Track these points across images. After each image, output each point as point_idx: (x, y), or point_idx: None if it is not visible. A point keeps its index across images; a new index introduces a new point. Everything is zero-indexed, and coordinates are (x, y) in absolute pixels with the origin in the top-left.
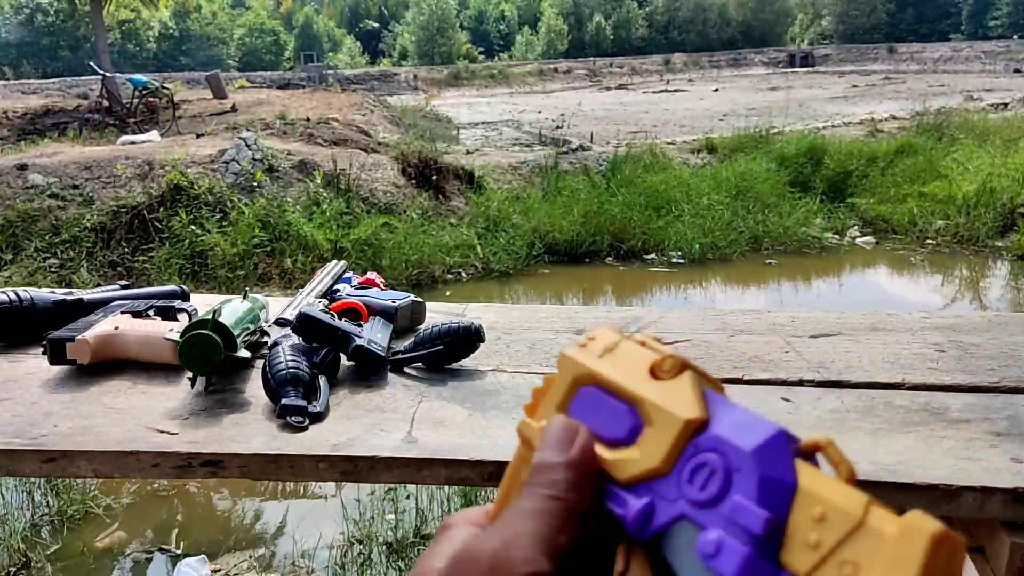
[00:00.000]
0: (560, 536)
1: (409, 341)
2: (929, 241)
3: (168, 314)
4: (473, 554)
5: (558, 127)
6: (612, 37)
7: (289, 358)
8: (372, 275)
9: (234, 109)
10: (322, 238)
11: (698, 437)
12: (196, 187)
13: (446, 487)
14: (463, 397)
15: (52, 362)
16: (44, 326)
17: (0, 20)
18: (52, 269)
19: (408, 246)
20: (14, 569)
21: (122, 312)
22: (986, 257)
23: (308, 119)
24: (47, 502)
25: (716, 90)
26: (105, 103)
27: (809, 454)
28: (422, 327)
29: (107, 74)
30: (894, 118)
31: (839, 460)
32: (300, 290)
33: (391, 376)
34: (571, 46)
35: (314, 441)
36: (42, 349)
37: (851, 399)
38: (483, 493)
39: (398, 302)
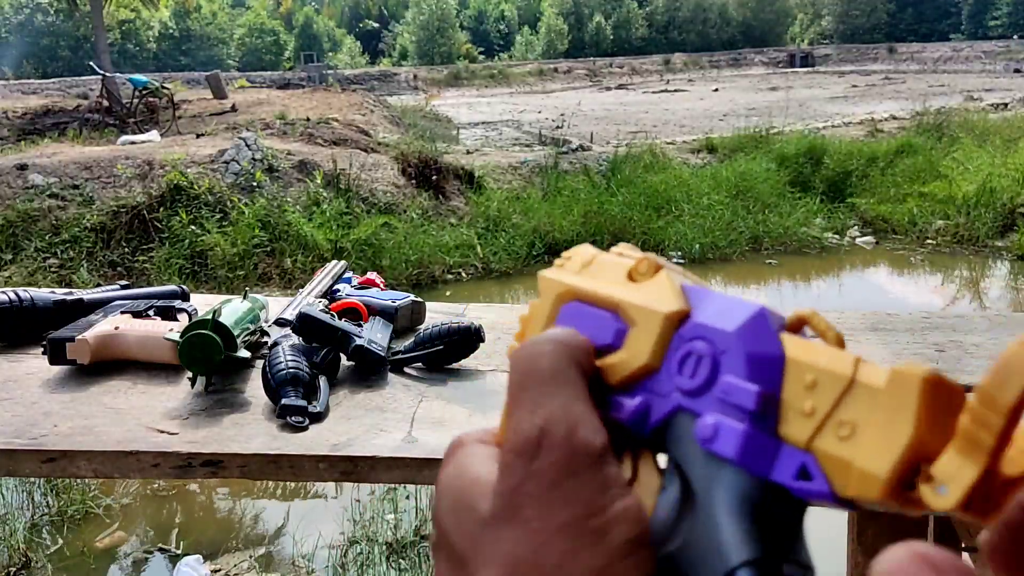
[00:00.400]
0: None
1: (409, 341)
2: (929, 241)
3: (168, 314)
4: (524, 438)
5: (558, 127)
6: (612, 37)
7: (289, 358)
8: (372, 275)
9: (234, 109)
10: (322, 238)
11: (682, 328)
12: (196, 187)
13: None
14: (463, 397)
15: (52, 362)
16: (44, 326)
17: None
18: (52, 269)
19: (408, 246)
20: (14, 569)
21: (122, 312)
22: (986, 257)
23: (308, 119)
24: (47, 502)
25: (716, 90)
26: (105, 103)
27: (795, 329)
28: (422, 327)
29: (107, 74)
30: (894, 118)
31: (825, 328)
32: (300, 290)
33: (391, 376)
34: (571, 46)
35: (314, 441)
36: (42, 349)
37: None
38: None
39: (398, 302)
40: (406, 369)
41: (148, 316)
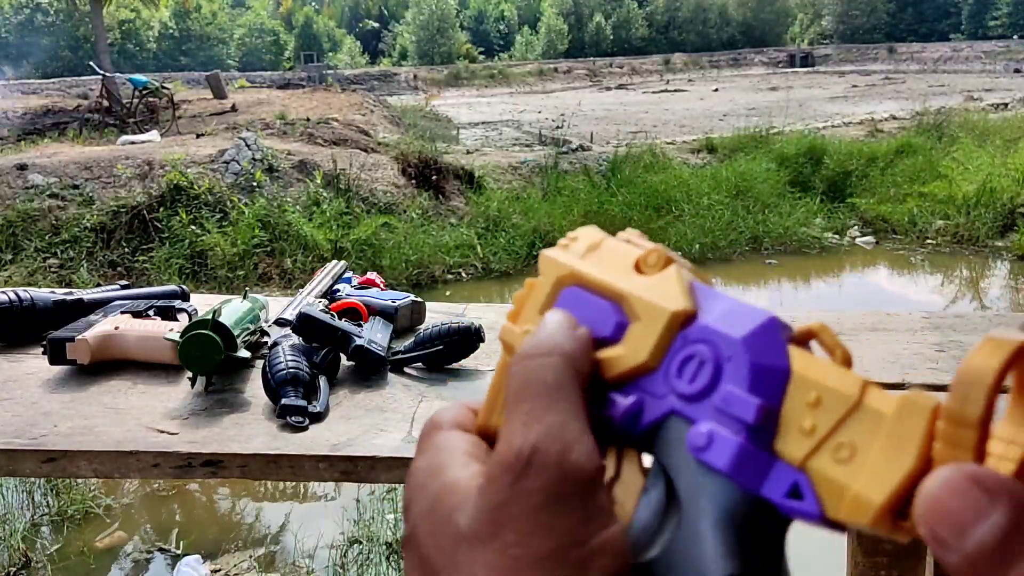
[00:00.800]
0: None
1: (409, 341)
2: (929, 241)
3: (168, 314)
4: (516, 455)
5: (558, 127)
6: (612, 37)
7: (289, 358)
8: (372, 275)
9: (234, 109)
10: (322, 238)
11: (686, 329)
12: (196, 187)
13: None
14: (463, 397)
15: (52, 362)
16: (44, 326)
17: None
18: (52, 269)
19: (408, 246)
20: (14, 569)
21: (122, 312)
22: (986, 257)
23: (308, 119)
24: (47, 502)
25: (716, 90)
26: (105, 103)
27: (803, 341)
28: (422, 327)
29: (107, 74)
30: (894, 118)
31: (834, 345)
32: (300, 290)
33: (391, 376)
34: (571, 46)
35: (314, 441)
36: (42, 349)
37: None
38: None
39: (398, 302)
40: (406, 369)
41: (148, 316)
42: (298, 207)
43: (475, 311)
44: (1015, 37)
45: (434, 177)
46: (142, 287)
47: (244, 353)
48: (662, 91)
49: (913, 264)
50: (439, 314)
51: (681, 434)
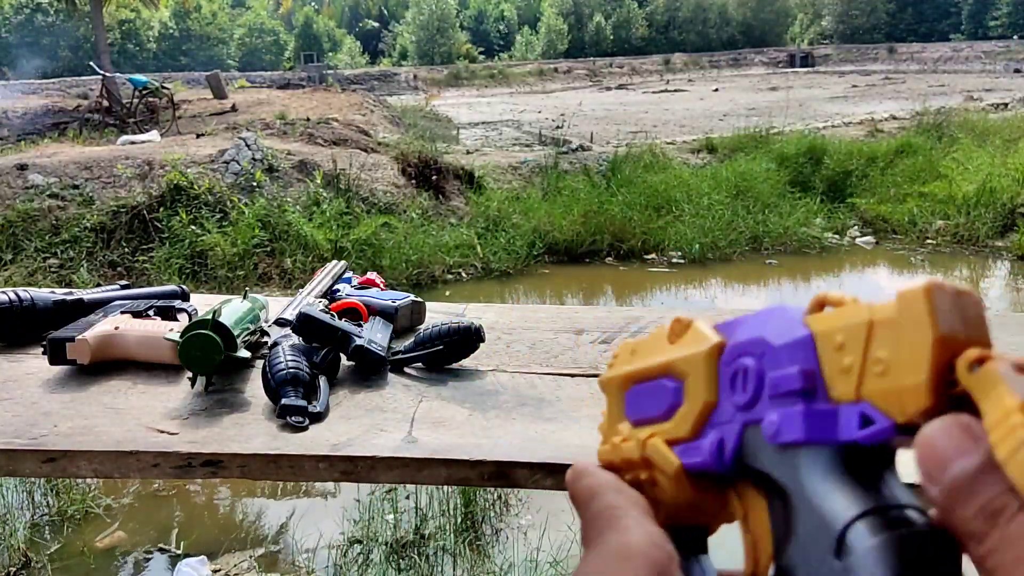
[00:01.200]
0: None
1: (409, 341)
2: (929, 241)
3: (168, 314)
4: None
5: (558, 127)
6: (612, 37)
7: (289, 358)
8: (372, 275)
9: (234, 109)
10: (322, 238)
11: (723, 356)
12: (196, 187)
13: (446, 487)
14: (463, 397)
15: (52, 362)
16: (44, 326)
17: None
18: (52, 269)
19: (408, 246)
20: (14, 569)
21: (122, 312)
22: (986, 257)
23: (308, 119)
24: (47, 502)
25: (716, 90)
26: (105, 103)
27: (818, 309)
28: (422, 327)
29: (107, 74)
30: (894, 118)
31: (839, 299)
32: (300, 290)
33: (391, 376)
34: (571, 46)
35: (314, 441)
36: (42, 349)
37: None
38: (483, 493)
39: (398, 302)
40: (406, 369)
41: (148, 316)
42: (298, 207)
43: (475, 311)
44: (1015, 37)
45: (434, 177)
46: (142, 287)
47: (244, 353)
48: (662, 91)
49: (913, 264)
50: (439, 314)
51: (758, 436)
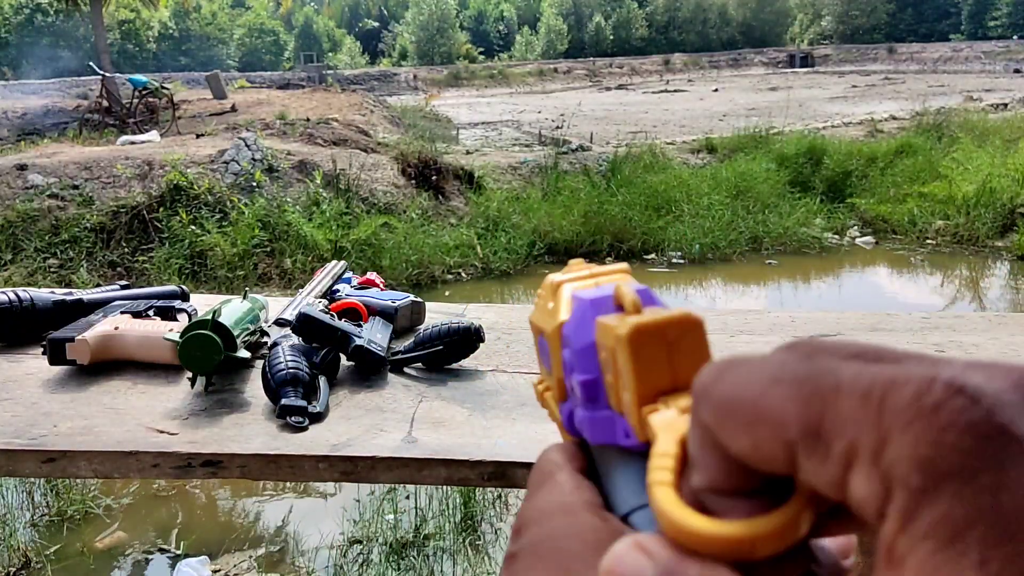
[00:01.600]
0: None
1: (409, 341)
2: (929, 241)
3: (168, 314)
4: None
5: (558, 127)
6: (612, 37)
7: (289, 358)
8: (372, 275)
9: (234, 109)
10: (322, 238)
11: (563, 339)
12: (196, 187)
13: (446, 487)
14: (463, 397)
15: (52, 362)
16: (44, 326)
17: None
18: (52, 269)
19: (408, 246)
20: (13, 569)
21: (122, 312)
22: (986, 257)
23: (308, 119)
24: (47, 502)
25: (716, 90)
26: (105, 103)
27: (618, 307)
28: (422, 327)
29: (107, 74)
30: (894, 118)
31: (624, 297)
32: (300, 290)
33: (391, 376)
34: (571, 46)
35: (314, 441)
36: (42, 349)
37: None
38: (483, 493)
39: (398, 302)
40: (406, 369)
41: (148, 316)
42: (298, 207)
43: (475, 311)
44: (1015, 37)
45: (434, 177)
46: (142, 287)
47: (244, 353)
48: (662, 91)
49: (913, 264)
50: (439, 314)
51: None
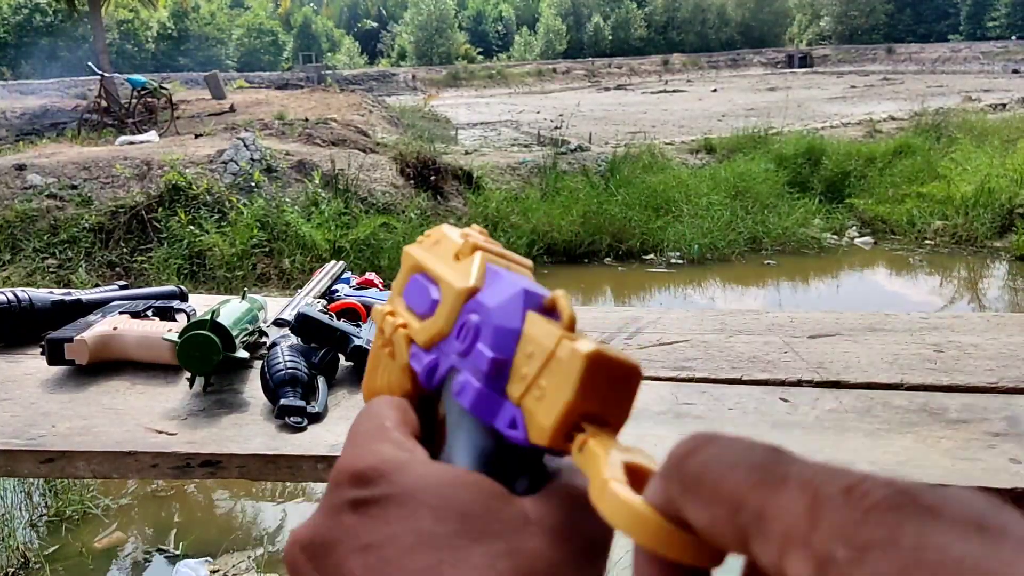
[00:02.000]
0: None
1: None
2: (927, 241)
3: (166, 314)
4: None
5: (557, 127)
6: (611, 37)
7: (288, 358)
8: (370, 275)
9: (232, 109)
10: (320, 238)
11: (469, 302)
12: (194, 187)
13: None
14: None
15: (50, 362)
16: (42, 326)
17: None
18: (50, 269)
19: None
20: (12, 569)
21: (120, 312)
22: (984, 257)
23: (306, 119)
24: (46, 502)
25: (715, 90)
26: (103, 103)
27: (550, 310)
28: None
29: (105, 74)
30: (892, 119)
31: (563, 309)
32: (298, 290)
33: None
34: (570, 46)
35: (312, 441)
36: (40, 349)
37: (849, 399)
38: None
39: None
40: None
41: (146, 316)
42: (296, 207)
43: None
44: (1013, 38)
45: (433, 177)
46: (140, 287)
47: (243, 353)
48: (661, 91)
49: (911, 264)
50: None
51: (452, 383)
